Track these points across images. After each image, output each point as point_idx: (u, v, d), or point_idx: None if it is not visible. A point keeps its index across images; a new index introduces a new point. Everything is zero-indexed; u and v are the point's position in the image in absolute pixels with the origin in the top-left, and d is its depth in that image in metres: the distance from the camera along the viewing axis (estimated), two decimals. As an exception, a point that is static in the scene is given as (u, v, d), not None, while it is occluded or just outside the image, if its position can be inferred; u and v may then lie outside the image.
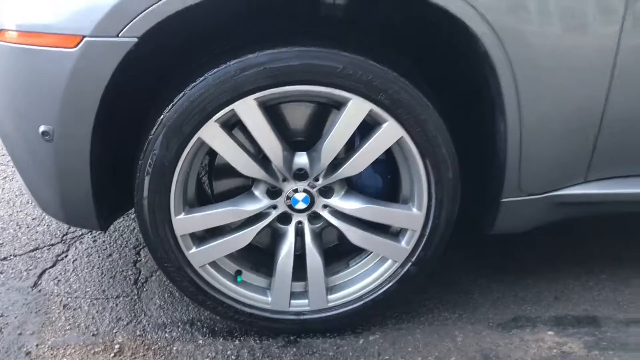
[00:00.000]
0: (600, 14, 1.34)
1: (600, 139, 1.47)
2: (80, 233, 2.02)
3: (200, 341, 1.59)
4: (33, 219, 2.11)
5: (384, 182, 1.57)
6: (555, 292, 1.78)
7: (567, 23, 1.33)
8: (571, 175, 1.52)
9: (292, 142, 1.48)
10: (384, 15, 1.38)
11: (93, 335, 1.60)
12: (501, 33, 1.29)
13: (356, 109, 1.34)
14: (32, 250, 1.95)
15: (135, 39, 1.23)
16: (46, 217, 2.08)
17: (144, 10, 1.19)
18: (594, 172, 1.53)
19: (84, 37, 1.22)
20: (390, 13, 1.36)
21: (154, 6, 1.19)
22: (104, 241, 1.98)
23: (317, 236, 1.53)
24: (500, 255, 1.92)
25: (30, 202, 2.19)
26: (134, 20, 1.20)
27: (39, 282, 1.80)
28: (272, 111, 1.42)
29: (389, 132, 1.37)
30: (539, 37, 1.32)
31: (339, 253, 1.63)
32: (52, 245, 1.97)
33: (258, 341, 1.59)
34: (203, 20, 1.27)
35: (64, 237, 2.00)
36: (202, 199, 1.58)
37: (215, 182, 1.59)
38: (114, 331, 1.62)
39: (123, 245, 1.97)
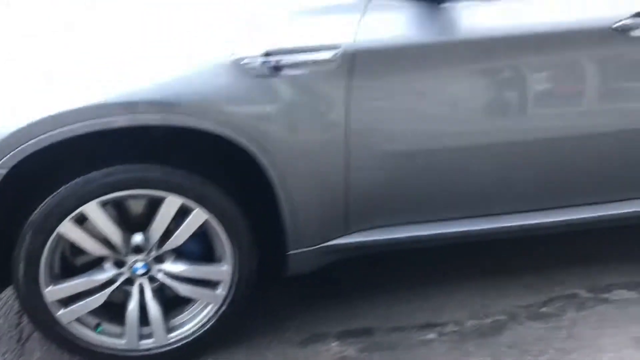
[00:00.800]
0: (325, 109, 1.95)
1: (350, 203, 2.10)
2: (-30, 304, 2.45)
3: (74, 380, 2.10)
4: None
5: (205, 247, 2.15)
6: (343, 312, 2.41)
7: (300, 120, 1.93)
8: (336, 231, 2.16)
9: (134, 223, 2.03)
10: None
11: (-14, 385, 2.07)
12: (262, 143, 1.89)
13: (172, 203, 1.93)
14: None
15: (6, 169, 1.76)
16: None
17: (8, 154, 1.74)
18: (352, 226, 2.17)
19: (-34, 170, 1.74)
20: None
21: (14, 150, 1.74)
22: (-9, 309, 2.44)
23: (157, 292, 2.08)
24: (302, 289, 2.51)
25: None
26: (2, 159, 1.74)
27: (-63, 351, 2.23)
28: (117, 203, 1.98)
29: (198, 217, 1.97)
30: (289, 137, 1.93)
31: (179, 300, 2.19)
32: (-54, 317, 2.40)
33: (119, 374, 2.11)
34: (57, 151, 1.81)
35: (-44, 309, 2.44)
36: (69, 269, 2.10)
37: (77, 257, 2.11)
38: (3, 381, 2.09)
39: (8, 312, 2.42)
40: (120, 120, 1.80)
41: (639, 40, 2.07)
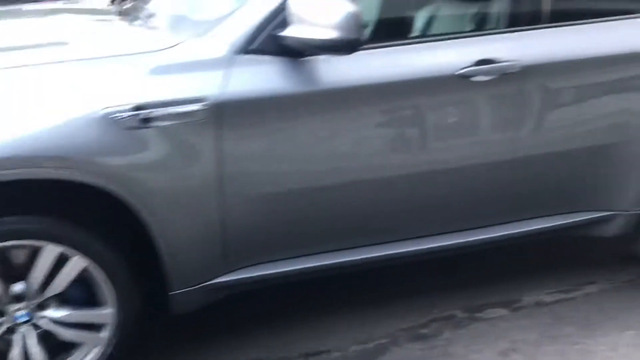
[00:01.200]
0: (196, 157, 2.07)
1: (229, 243, 2.23)
2: None
3: None
4: None
5: (89, 292, 2.22)
6: (229, 345, 2.52)
7: (172, 168, 2.05)
8: (216, 270, 2.27)
9: (18, 272, 2.09)
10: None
11: None
12: (135, 191, 2.01)
13: (50, 251, 2.01)
14: None
15: None
16: None
17: None
18: (233, 264, 2.30)
19: None
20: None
21: None
22: None
23: (42, 338, 2.13)
24: (189, 326, 2.59)
25: None
26: None
27: None
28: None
29: (77, 263, 2.05)
30: (162, 185, 2.04)
31: (66, 344, 2.24)
32: None
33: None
34: None
35: None
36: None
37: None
38: None
39: None
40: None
41: (479, 85, 2.33)
